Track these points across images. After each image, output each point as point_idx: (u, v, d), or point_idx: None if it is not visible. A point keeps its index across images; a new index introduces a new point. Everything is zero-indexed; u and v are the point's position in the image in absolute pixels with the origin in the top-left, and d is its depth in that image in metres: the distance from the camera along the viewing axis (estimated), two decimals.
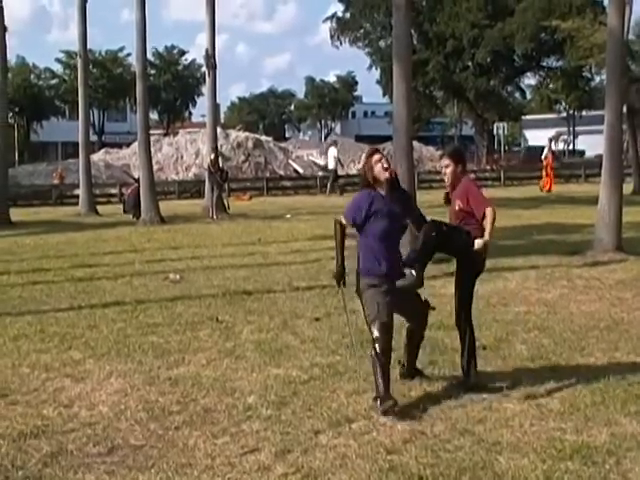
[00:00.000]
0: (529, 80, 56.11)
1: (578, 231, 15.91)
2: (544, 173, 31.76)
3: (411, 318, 6.12)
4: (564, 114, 79.57)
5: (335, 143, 37.82)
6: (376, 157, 5.82)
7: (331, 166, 34.71)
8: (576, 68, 45.25)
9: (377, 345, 5.62)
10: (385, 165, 5.78)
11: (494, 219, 5.76)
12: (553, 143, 34.23)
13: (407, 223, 5.97)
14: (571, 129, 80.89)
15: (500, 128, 58.69)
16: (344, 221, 5.84)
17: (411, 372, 6.26)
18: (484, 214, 5.78)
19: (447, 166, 6.06)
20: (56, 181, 35.55)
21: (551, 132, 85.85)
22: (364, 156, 6.16)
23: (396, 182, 5.88)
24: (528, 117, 78.56)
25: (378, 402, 5.49)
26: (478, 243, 5.77)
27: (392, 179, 5.81)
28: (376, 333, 5.64)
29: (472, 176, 5.99)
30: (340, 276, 5.90)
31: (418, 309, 6.07)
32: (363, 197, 5.81)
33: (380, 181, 5.79)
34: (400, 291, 5.76)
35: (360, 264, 5.82)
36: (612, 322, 8.10)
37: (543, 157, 32.05)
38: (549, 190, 30.68)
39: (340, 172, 35.24)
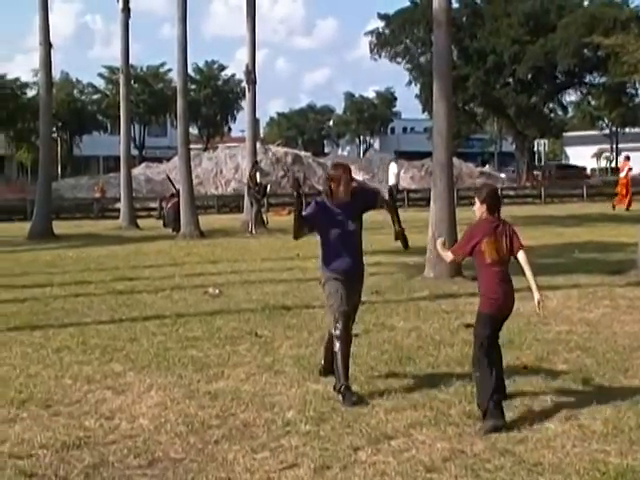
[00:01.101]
0: (570, 97, 55.65)
1: (621, 250, 15.66)
2: (624, 191, 30.93)
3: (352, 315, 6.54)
4: (607, 131, 78.71)
5: (395, 159, 37.97)
6: (344, 180, 6.24)
7: (391, 182, 34.89)
8: (620, 84, 44.79)
9: (337, 331, 6.16)
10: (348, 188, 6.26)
11: (444, 254, 6.11)
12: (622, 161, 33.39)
13: (361, 224, 6.42)
14: (614, 146, 79.90)
15: (541, 145, 58.22)
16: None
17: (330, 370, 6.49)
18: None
19: (474, 204, 6.11)
20: (98, 195, 36.07)
21: (593, 149, 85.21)
22: (331, 168, 6.55)
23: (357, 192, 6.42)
24: (570, 134, 77.87)
25: (340, 394, 6.04)
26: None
27: (350, 201, 6.28)
28: (338, 320, 6.17)
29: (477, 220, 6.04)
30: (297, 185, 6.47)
31: (357, 307, 6.58)
32: (318, 207, 6.32)
33: (338, 196, 6.26)
34: (353, 289, 6.36)
35: (323, 259, 6.38)
36: None
37: (623, 175, 31.36)
38: (628, 207, 29.83)
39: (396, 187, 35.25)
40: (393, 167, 35.37)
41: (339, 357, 6.20)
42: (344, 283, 6.30)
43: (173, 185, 26.94)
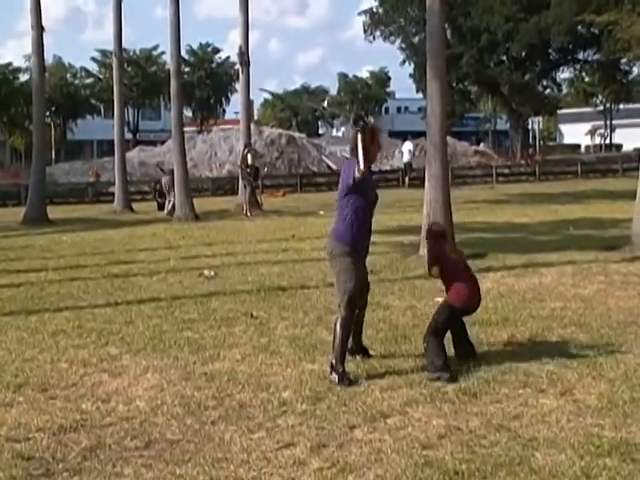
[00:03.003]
0: (564, 74, 55.52)
1: (615, 226, 15.70)
2: None
3: (364, 294, 6.49)
4: (601, 107, 78.54)
5: (410, 138, 38.11)
6: (378, 139, 6.27)
7: (406, 159, 35.22)
8: (613, 61, 44.67)
9: (343, 312, 6.13)
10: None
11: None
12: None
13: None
14: (608, 122, 79.78)
15: (535, 122, 58.09)
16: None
17: (359, 349, 6.65)
18: None
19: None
20: (92, 179, 35.94)
21: (587, 126, 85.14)
22: (367, 131, 6.30)
23: None
24: (564, 111, 77.70)
25: (333, 373, 6.04)
26: None
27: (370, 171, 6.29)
28: (346, 302, 6.11)
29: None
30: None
31: (367, 284, 6.56)
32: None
33: (371, 157, 6.14)
34: (363, 262, 6.34)
35: (340, 231, 6.20)
36: None
37: None
38: None
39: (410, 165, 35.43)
40: (408, 145, 35.81)
41: (340, 340, 6.14)
42: (358, 259, 6.24)
43: (164, 172, 26.80)
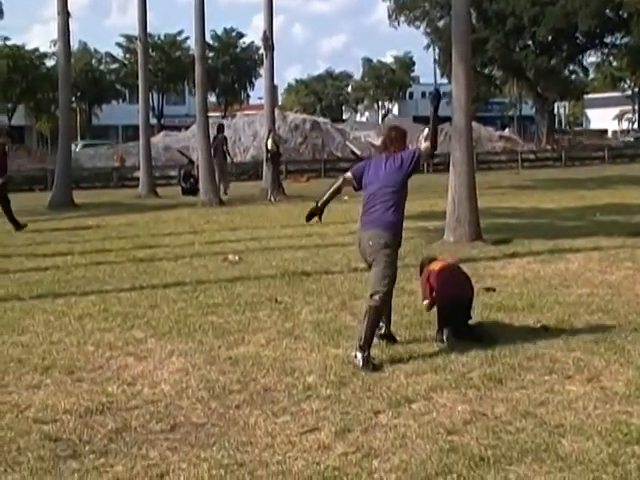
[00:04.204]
0: (591, 58, 54.84)
1: None
2: None
3: None
4: (629, 92, 77.54)
5: None
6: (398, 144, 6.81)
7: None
8: None
9: (378, 299, 6.14)
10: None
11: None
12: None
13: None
14: (636, 107, 78.74)
15: (561, 107, 57.53)
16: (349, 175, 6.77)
17: (387, 335, 6.72)
18: None
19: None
20: (117, 163, 36.14)
21: (615, 111, 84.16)
22: (397, 133, 6.94)
23: None
24: (590, 96, 76.85)
25: (358, 354, 6.02)
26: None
27: None
28: (385, 292, 6.19)
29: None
30: (316, 212, 7.32)
31: None
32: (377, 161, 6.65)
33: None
34: None
35: (397, 222, 6.37)
36: None
37: None
38: None
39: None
40: (427, 129, 35.68)
41: (371, 327, 6.14)
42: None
43: (187, 157, 26.86)
